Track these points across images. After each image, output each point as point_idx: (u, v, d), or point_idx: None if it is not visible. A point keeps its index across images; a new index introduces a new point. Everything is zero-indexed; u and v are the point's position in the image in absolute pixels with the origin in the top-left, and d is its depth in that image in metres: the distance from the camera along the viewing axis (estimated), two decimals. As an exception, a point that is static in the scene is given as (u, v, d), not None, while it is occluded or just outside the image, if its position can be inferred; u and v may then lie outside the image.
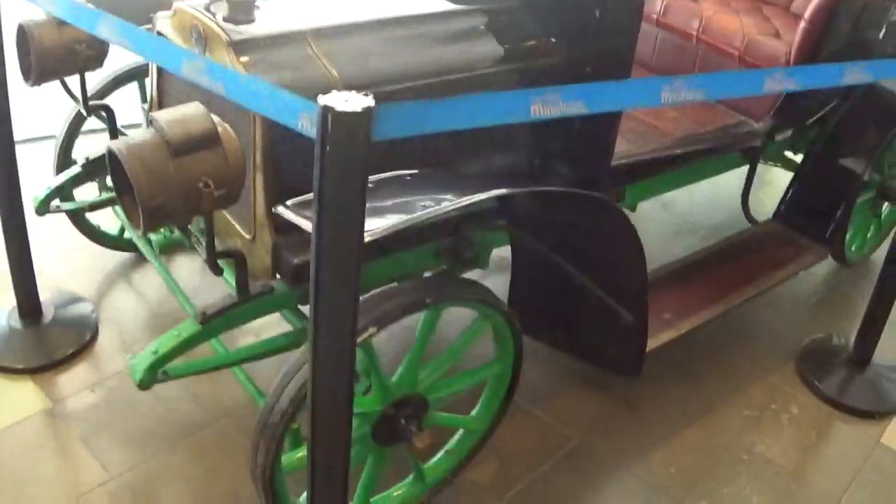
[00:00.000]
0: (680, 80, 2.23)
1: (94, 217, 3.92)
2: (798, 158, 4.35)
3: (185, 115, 2.28)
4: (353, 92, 1.70)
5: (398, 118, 1.77)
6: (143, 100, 3.77)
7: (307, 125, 1.77)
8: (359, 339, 2.32)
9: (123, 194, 2.34)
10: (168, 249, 3.67)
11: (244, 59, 2.54)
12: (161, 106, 3.07)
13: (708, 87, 2.30)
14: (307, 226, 2.15)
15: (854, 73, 2.87)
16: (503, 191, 2.52)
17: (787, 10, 4.49)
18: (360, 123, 1.67)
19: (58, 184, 3.48)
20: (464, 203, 2.38)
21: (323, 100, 1.65)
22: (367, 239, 1.85)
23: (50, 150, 3.77)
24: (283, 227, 2.55)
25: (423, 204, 2.33)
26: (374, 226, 2.15)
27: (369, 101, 1.67)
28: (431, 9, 2.99)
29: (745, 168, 4.14)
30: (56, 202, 3.52)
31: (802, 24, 3.80)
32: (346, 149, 1.69)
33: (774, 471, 3.40)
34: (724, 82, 2.43)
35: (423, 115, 1.83)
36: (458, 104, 1.92)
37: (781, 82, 2.56)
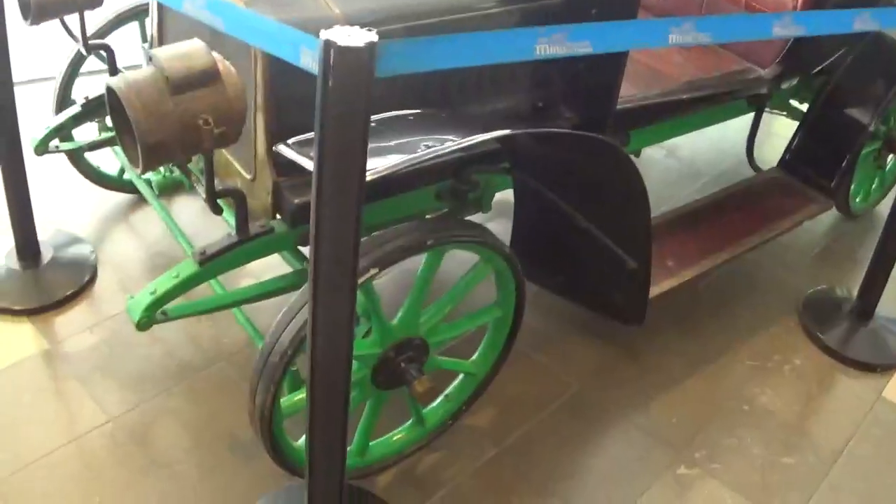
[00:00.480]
0: (689, 22, 2.19)
1: (93, 157, 3.89)
2: (804, 108, 4.30)
3: (186, 51, 2.24)
4: (357, 27, 1.67)
5: (401, 55, 1.74)
6: (144, 39, 3.72)
7: (309, 61, 1.74)
8: (359, 281, 2.30)
9: (123, 132, 2.32)
10: (168, 190, 3.64)
11: (246, -6, 2.50)
12: (162, 45, 3.02)
13: (716, 30, 2.27)
14: (308, 164, 2.13)
15: (863, 20, 2.83)
16: (506, 132, 2.49)
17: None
18: (362, 59, 1.64)
19: (57, 123, 3.46)
20: (466, 144, 2.34)
21: (325, 34, 1.62)
22: (368, 178, 1.82)
23: (50, 92, 3.72)
24: (284, 168, 2.52)
25: (425, 144, 2.30)
26: (376, 165, 2.13)
27: (373, 37, 1.64)
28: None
29: (751, 116, 4.11)
30: (55, 142, 3.49)
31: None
32: (349, 85, 1.65)
33: (776, 422, 3.39)
34: (733, 26, 2.40)
35: (427, 52, 1.80)
36: (463, 41, 1.88)
37: (789, 27, 2.52)
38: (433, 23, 2.74)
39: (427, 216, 3.06)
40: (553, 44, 1.98)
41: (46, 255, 3.62)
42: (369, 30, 1.66)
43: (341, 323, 1.93)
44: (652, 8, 4.31)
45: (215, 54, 2.27)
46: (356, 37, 1.63)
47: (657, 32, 2.19)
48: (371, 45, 1.63)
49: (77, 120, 3.49)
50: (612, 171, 2.83)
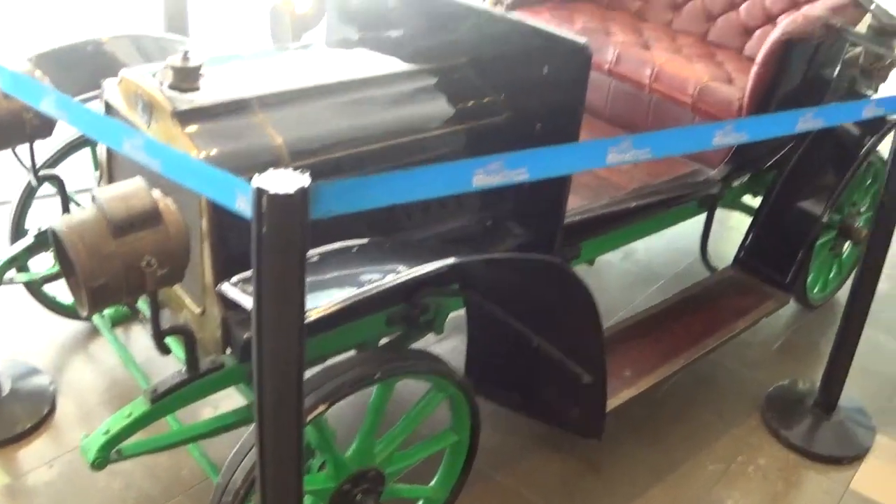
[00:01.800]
0: (626, 140, 2.21)
1: (50, 287, 3.87)
2: (757, 202, 4.32)
3: (126, 192, 2.25)
4: (290, 170, 1.68)
5: (336, 196, 1.75)
6: (97, 167, 3.74)
7: (244, 205, 1.74)
8: (308, 418, 2.29)
9: (68, 274, 2.31)
10: (123, 320, 3.62)
11: (189, 128, 2.53)
12: (111, 174, 3.04)
13: (655, 145, 2.28)
14: (249, 304, 2.13)
15: (806, 121, 2.87)
16: (452, 260, 2.49)
17: (739, 53, 4.51)
18: (295, 204, 1.65)
19: (10, 256, 3.44)
20: (412, 275, 2.35)
21: (257, 181, 1.63)
22: (308, 319, 1.82)
23: (4, 217, 3.72)
24: (232, 302, 2.52)
25: (370, 276, 2.30)
26: (320, 301, 2.12)
27: (304, 181, 1.65)
28: (377, 72, 3.00)
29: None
30: (10, 274, 3.47)
31: (755, 69, 3.80)
32: (283, 230, 1.67)
33: (744, 525, 3.37)
34: (672, 139, 2.42)
35: (362, 193, 1.81)
36: (398, 179, 1.90)
37: (731, 135, 2.55)
38: (378, 148, 2.77)
39: (381, 340, 3.06)
40: (490, 174, 2.00)
41: (5, 387, 3.58)
42: (302, 172, 1.67)
43: (289, 463, 1.92)
44: (599, 113, 4.36)
45: (157, 192, 2.28)
46: (288, 182, 1.64)
47: (595, 153, 2.21)
48: (303, 191, 1.64)
49: (31, 251, 3.48)
50: (559, 288, 2.84)
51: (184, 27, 5.34)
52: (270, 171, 1.67)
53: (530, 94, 3.01)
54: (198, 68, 2.65)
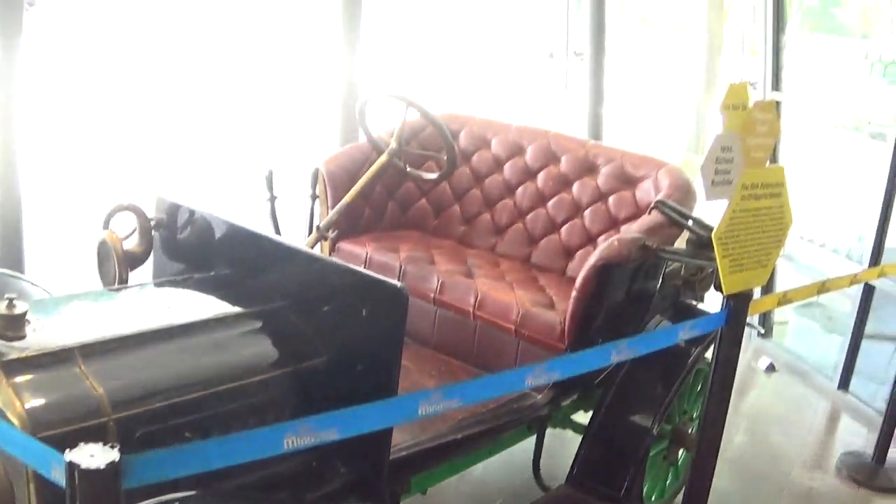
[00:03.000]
0: (436, 392, 2.28)
1: None
2: (588, 418, 4.35)
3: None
4: (100, 445, 1.69)
5: (147, 467, 1.77)
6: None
7: (59, 476, 1.74)
8: None
9: None
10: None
11: (14, 379, 2.52)
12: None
13: (464, 395, 2.35)
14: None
15: (620, 351, 2.98)
16: None
17: (562, 275, 4.68)
18: (107, 478, 1.66)
19: None
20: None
21: (69, 455, 1.64)
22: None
23: None
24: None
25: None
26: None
27: (114, 456, 1.66)
28: (200, 316, 3.05)
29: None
30: None
31: (573, 294, 3.95)
32: (96, 502, 1.67)
33: None
34: (483, 387, 2.50)
35: (174, 462, 1.83)
36: (209, 447, 1.92)
37: (542, 376, 2.64)
38: (199, 396, 2.79)
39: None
40: (301, 435, 2.04)
41: None
42: (112, 446, 1.68)
43: None
44: (426, 340, 4.49)
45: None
46: (99, 457, 1.65)
47: (406, 408, 2.27)
48: (113, 465, 1.66)
49: None
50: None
51: (20, 263, 5.28)
52: (82, 444, 1.69)
53: (350, 336, 3.07)
54: (23, 315, 2.65)
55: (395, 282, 2.94)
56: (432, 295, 4.39)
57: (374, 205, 5.10)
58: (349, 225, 4.89)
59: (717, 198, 3.21)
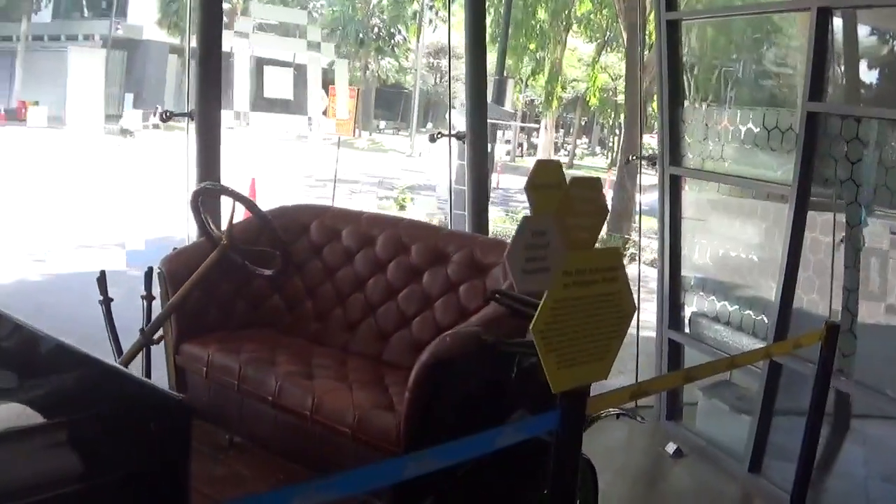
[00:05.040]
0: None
1: None
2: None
3: None
4: None
5: None
6: None
7: None
8: None
9: None
10: None
11: None
12: None
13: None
14: None
15: (464, 450, 2.74)
16: None
17: (410, 371, 4.41)
18: None
19: None
20: None
21: None
22: None
23: None
24: None
25: None
26: None
27: None
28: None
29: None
30: None
31: (406, 395, 3.73)
32: None
33: None
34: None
35: None
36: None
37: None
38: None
39: None
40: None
41: None
42: None
43: None
44: (267, 443, 4.27)
45: None
46: None
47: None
48: None
49: None
50: None
51: None
52: None
53: (132, 452, 2.79)
54: None
55: (176, 394, 2.71)
56: (271, 398, 4.15)
57: (220, 303, 4.86)
58: (192, 325, 4.67)
59: (533, 288, 2.95)
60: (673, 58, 6.73)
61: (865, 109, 5.96)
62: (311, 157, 20.87)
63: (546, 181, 2.86)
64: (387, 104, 51.37)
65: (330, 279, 4.97)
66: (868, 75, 6.80)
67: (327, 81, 12.12)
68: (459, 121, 6.75)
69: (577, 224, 2.93)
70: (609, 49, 30.07)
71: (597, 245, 3.04)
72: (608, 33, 28.78)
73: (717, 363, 4.24)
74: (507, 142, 40.49)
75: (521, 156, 40.43)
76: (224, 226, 4.66)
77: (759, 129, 6.15)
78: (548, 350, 2.85)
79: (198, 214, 4.53)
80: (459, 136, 6.56)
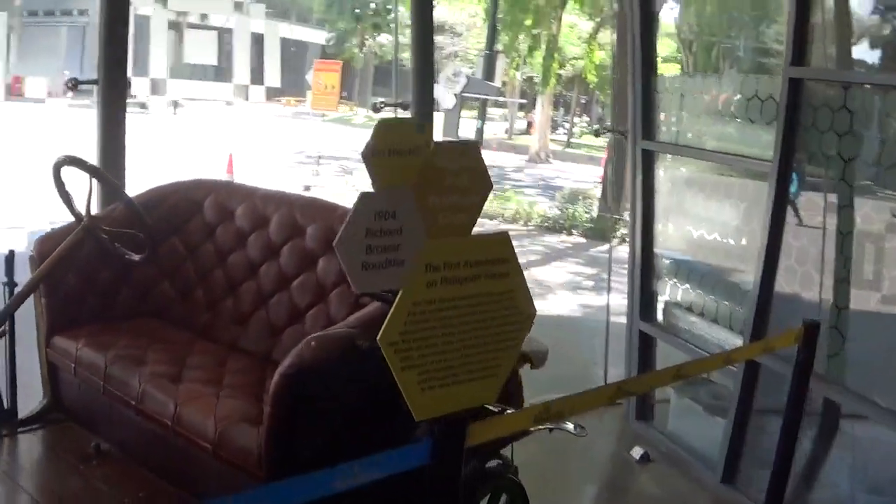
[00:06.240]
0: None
1: None
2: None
3: None
4: None
5: None
6: None
7: None
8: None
9: None
10: None
11: None
12: None
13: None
14: None
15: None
16: None
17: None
18: None
19: None
20: None
21: None
22: None
23: None
24: None
25: None
26: None
27: None
28: None
29: None
30: None
31: (266, 410, 3.07)
32: None
33: None
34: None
35: None
36: None
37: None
38: None
39: None
40: None
41: None
42: None
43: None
44: (131, 452, 3.70)
45: None
46: None
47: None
48: None
49: None
50: None
51: None
52: None
53: None
54: None
55: None
56: (134, 403, 3.55)
57: (99, 291, 4.22)
58: (65, 316, 4.06)
59: (378, 287, 2.27)
60: (645, 21, 6.04)
61: (854, 74, 5.24)
62: (303, 134, 20.15)
63: (395, 146, 2.17)
64: (386, 81, 50.55)
65: (222, 265, 4.31)
66: (860, 39, 6.07)
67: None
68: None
69: (445, 203, 2.24)
70: (608, 26, 29.25)
71: (503, 229, 2.33)
72: (610, 9, 27.96)
73: (708, 360, 3.90)
74: (506, 119, 39.71)
75: (512, 134, 39.51)
76: (90, 204, 3.99)
77: (738, 97, 5.46)
78: (404, 367, 2.18)
79: (62, 189, 3.88)
80: (404, 106, 5.98)
